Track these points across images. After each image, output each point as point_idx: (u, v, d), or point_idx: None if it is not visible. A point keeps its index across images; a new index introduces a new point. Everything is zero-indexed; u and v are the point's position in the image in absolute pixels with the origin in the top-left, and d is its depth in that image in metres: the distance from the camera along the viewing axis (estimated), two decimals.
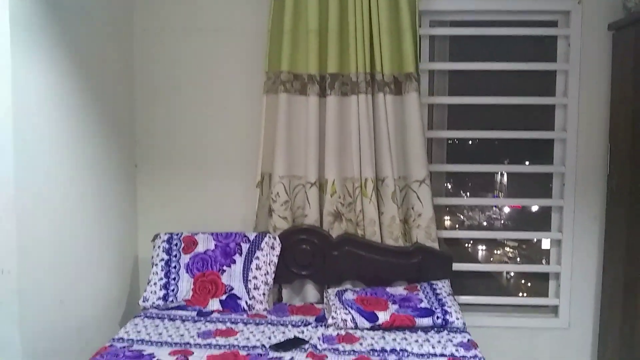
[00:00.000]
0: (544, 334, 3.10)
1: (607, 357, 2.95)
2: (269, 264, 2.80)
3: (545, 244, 3.49)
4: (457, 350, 2.28)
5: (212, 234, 2.89)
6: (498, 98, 3.09)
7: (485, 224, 3.62)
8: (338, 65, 2.87)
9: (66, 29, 2.36)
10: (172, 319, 2.58)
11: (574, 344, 3.10)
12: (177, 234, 2.90)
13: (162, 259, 2.81)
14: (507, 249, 3.73)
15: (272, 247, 2.84)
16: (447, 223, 3.50)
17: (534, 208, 3.77)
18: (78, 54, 2.46)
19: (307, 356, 2.20)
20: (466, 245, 3.68)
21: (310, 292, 2.96)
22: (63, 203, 2.38)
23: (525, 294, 3.46)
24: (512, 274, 3.67)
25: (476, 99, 3.13)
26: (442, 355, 2.23)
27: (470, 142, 3.49)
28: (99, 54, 2.70)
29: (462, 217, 3.57)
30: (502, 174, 3.53)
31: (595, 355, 3.07)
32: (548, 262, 3.21)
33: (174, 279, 2.75)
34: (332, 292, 2.77)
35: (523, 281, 3.69)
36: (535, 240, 3.47)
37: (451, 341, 2.37)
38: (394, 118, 2.91)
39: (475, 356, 2.22)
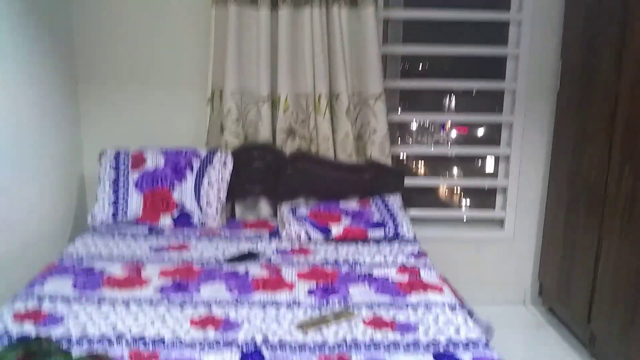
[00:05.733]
0: (490, 245, 3.23)
1: (548, 266, 3.12)
2: (221, 181, 2.76)
3: (489, 167, 3.59)
4: (407, 259, 2.34)
5: (161, 150, 2.81)
6: (454, 12, 3.03)
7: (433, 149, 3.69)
8: None
9: None
10: (122, 236, 2.54)
11: (518, 254, 3.25)
12: (124, 151, 2.80)
13: (110, 176, 2.72)
14: (454, 172, 3.82)
15: (224, 164, 2.79)
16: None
17: (480, 133, 3.85)
18: None
19: (261, 268, 2.22)
20: (414, 169, 3.75)
21: (264, 208, 2.96)
22: (0, 122, 2.24)
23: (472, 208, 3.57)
24: (459, 189, 3.77)
25: (433, 12, 3.06)
26: (393, 264, 2.29)
27: (421, 65, 3.48)
28: None
29: (411, 141, 3.60)
30: (450, 98, 3.56)
31: (538, 265, 3.23)
32: (493, 186, 3.29)
33: (123, 196, 2.68)
34: (285, 207, 2.77)
35: (469, 199, 3.81)
36: (479, 164, 3.56)
37: (402, 252, 2.43)
38: (348, 32, 2.83)
39: (425, 265, 2.28)
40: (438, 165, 3.90)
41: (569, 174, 2.87)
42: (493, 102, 3.25)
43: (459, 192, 3.97)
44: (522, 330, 3.02)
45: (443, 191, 3.97)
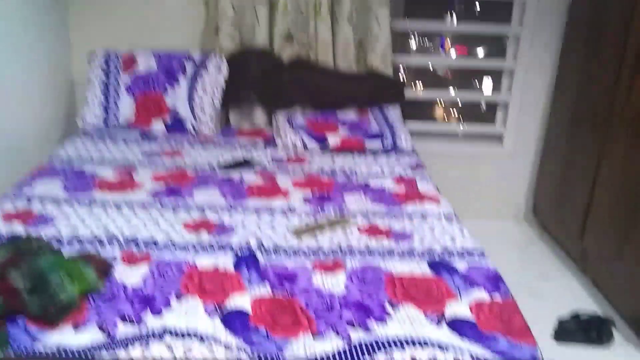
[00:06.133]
0: (488, 161, 3.20)
1: (545, 184, 3.10)
2: (216, 86, 2.66)
3: (487, 91, 3.50)
4: (404, 171, 2.30)
5: (153, 52, 2.69)
6: None
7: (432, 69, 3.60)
8: None
9: None
10: (114, 140, 2.47)
11: (515, 171, 3.22)
12: (115, 52, 2.68)
13: (100, 79, 2.62)
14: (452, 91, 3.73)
15: (219, 69, 2.67)
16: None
17: (480, 54, 3.73)
18: None
19: (256, 176, 2.18)
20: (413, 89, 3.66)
21: (259, 116, 2.88)
22: None
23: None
24: (456, 113, 3.71)
25: None
26: (390, 175, 2.25)
27: None
28: None
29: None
30: (452, 13, 3.42)
31: (534, 182, 3.21)
32: (494, 101, 3.20)
33: (114, 99, 2.59)
34: (281, 116, 2.70)
35: (467, 116, 3.75)
36: (478, 85, 3.48)
37: (399, 163, 2.38)
38: None
39: (422, 176, 2.25)
40: (436, 86, 3.81)
41: (574, 90, 2.78)
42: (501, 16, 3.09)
43: (457, 115, 3.90)
44: (514, 246, 3.05)
45: (441, 114, 3.90)
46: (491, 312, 1.35)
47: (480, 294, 1.42)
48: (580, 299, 2.48)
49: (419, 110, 3.32)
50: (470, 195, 3.13)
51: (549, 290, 2.54)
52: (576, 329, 2.15)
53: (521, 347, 1.23)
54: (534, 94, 3.08)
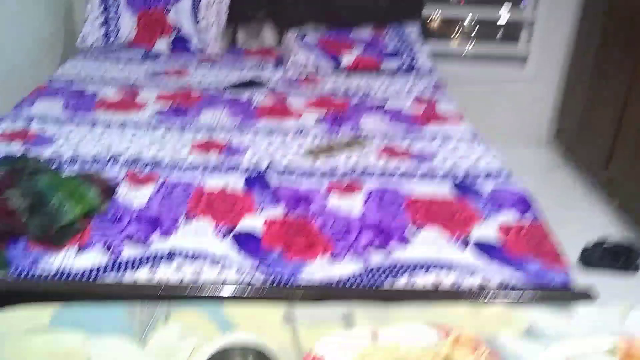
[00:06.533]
0: (511, 84, 3.03)
1: (569, 108, 2.95)
2: (221, 2, 2.49)
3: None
4: (424, 91, 2.17)
5: None
6: None
7: None
8: None
9: None
10: (115, 60, 2.34)
11: (539, 94, 3.05)
12: None
13: None
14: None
15: None
16: None
17: None
18: None
19: (266, 96, 2.06)
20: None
21: (268, 35, 2.71)
22: None
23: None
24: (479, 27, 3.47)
25: None
26: (408, 95, 2.12)
27: None
28: None
29: None
30: None
31: (559, 107, 3.06)
32: (519, 19, 2.98)
33: (114, 15, 2.44)
34: (292, 34, 2.53)
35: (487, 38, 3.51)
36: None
37: (418, 84, 2.24)
38: None
39: (443, 97, 2.12)
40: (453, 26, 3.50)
41: (605, 6, 2.58)
42: None
43: (476, 37, 3.66)
44: (536, 173, 2.92)
45: (460, 35, 3.66)
46: (520, 235, 1.27)
47: (508, 216, 1.33)
48: (606, 226, 2.39)
49: (436, 31, 3.12)
50: (491, 120, 2.98)
51: (574, 217, 2.44)
52: (602, 256, 2.08)
53: (552, 272, 1.15)
54: (561, 12, 2.87)
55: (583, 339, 0.78)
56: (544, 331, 0.83)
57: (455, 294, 1.07)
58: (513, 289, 1.09)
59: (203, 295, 1.03)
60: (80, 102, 1.91)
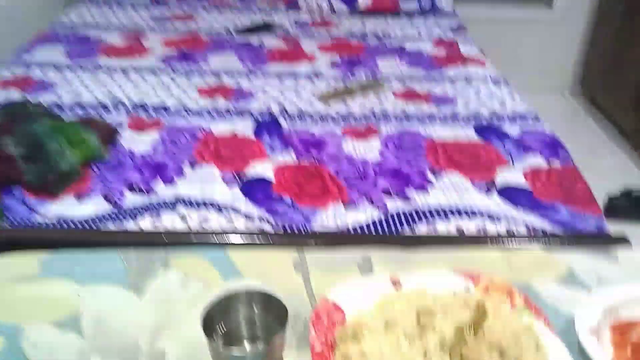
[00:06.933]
0: (535, 26, 2.86)
1: (596, 53, 2.79)
2: None
3: None
4: (445, 33, 2.04)
5: None
6: None
7: None
8: None
9: None
10: (120, 5, 2.24)
11: (564, 38, 2.89)
12: None
13: None
14: None
15: None
16: None
17: None
18: None
19: (277, 40, 1.95)
20: None
21: None
22: None
23: None
24: None
25: None
26: (428, 37, 2.00)
27: None
28: None
29: None
30: None
31: (584, 51, 2.90)
32: None
33: None
34: None
35: None
36: None
37: (439, 25, 2.12)
38: None
39: (465, 39, 1.99)
40: None
41: None
42: None
43: None
44: (560, 120, 2.79)
45: None
46: (549, 179, 1.18)
47: (536, 160, 1.24)
48: (632, 175, 2.28)
49: None
50: (513, 65, 2.83)
51: (598, 166, 2.32)
52: (628, 205, 1.98)
53: (585, 217, 1.06)
54: None
55: (627, 285, 0.70)
56: (584, 277, 0.75)
57: (482, 239, 0.99)
58: (544, 234, 1.01)
59: (208, 242, 0.96)
60: (83, 48, 1.82)
